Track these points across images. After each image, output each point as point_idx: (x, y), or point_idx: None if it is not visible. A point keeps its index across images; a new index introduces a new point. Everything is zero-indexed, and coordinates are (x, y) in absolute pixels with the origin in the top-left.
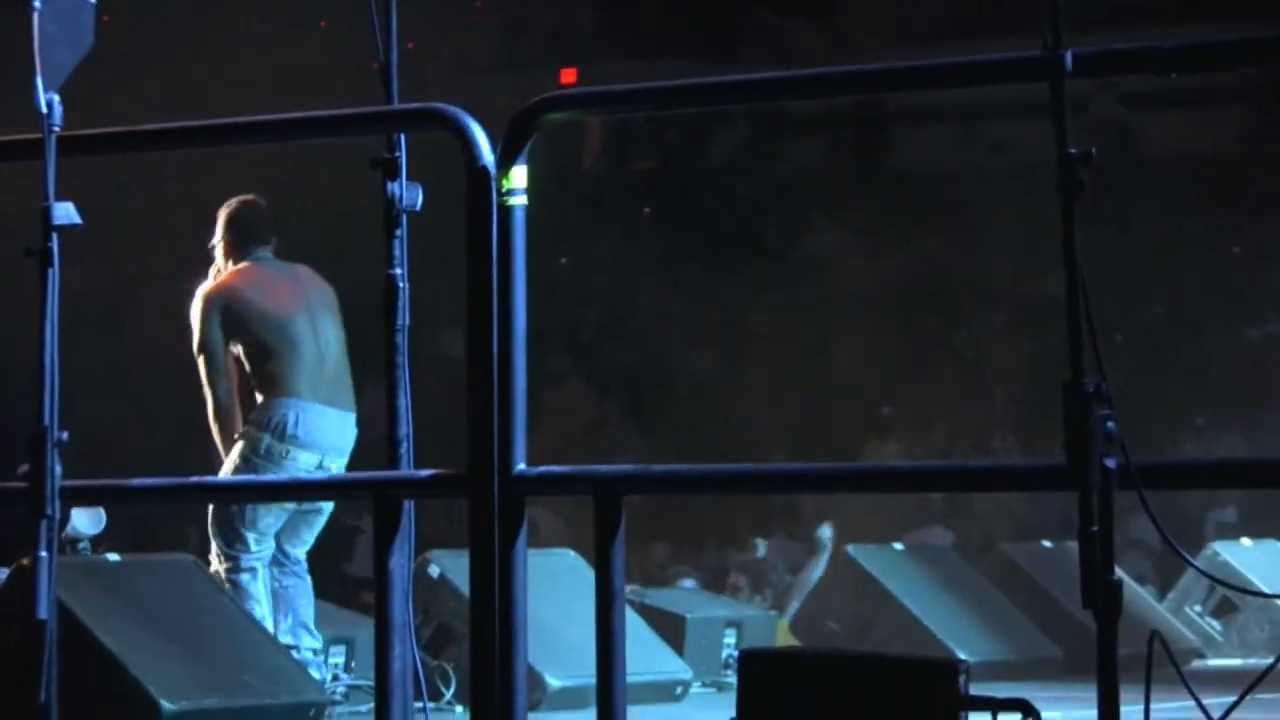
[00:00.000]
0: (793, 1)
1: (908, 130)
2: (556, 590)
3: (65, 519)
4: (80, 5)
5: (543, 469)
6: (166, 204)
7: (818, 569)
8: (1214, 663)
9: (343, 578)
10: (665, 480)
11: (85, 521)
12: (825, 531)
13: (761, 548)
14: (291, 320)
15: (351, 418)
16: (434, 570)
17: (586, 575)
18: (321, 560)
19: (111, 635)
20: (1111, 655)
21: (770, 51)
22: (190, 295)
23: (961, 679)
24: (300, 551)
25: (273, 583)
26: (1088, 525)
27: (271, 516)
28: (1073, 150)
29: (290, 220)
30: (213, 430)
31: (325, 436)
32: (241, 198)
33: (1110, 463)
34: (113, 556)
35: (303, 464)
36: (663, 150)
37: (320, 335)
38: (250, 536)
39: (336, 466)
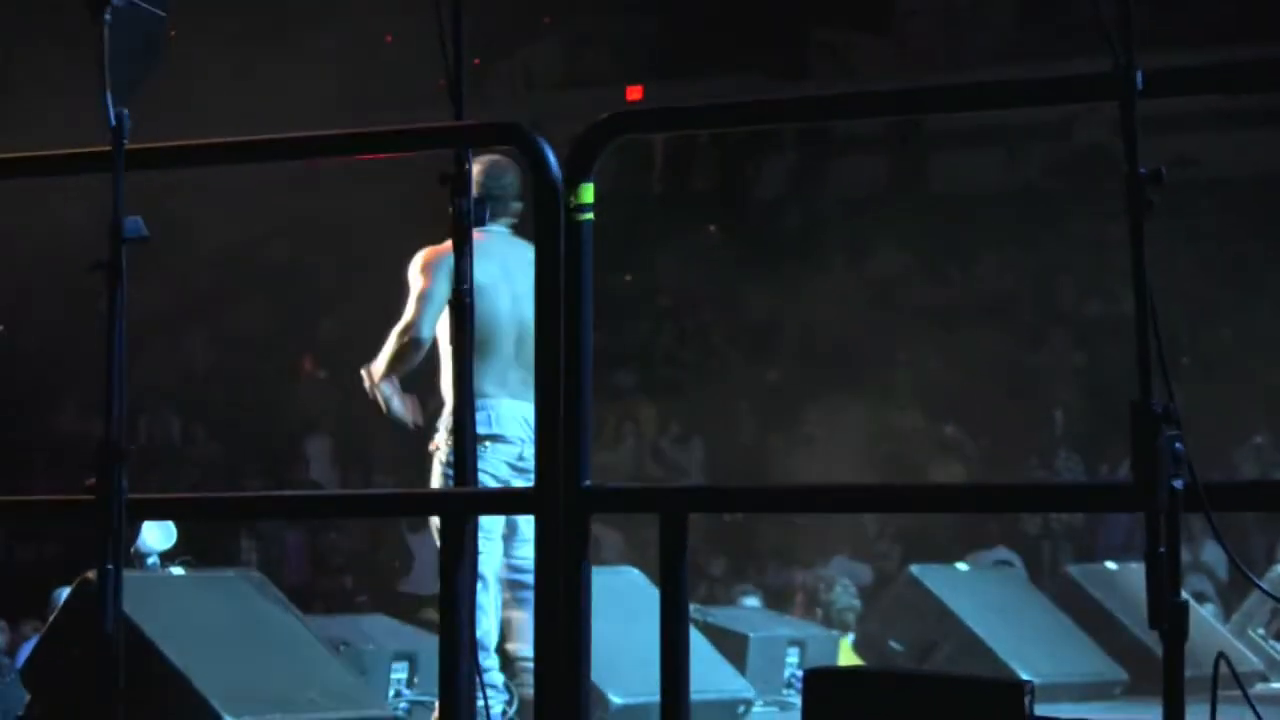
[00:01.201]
0: (857, 18)
1: (961, 149)
2: (619, 608)
3: (134, 534)
4: (151, 18)
5: (610, 485)
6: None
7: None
8: (1277, 685)
9: (401, 592)
10: (730, 499)
11: (155, 536)
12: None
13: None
14: None
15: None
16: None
17: (650, 593)
18: (380, 574)
19: (176, 650)
20: (1178, 677)
21: (835, 69)
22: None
23: (1027, 699)
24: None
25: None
26: (1155, 546)
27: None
28: (1143, 170)
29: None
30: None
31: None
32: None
33: (1177, 484)
34: (178, 571)
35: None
36: (724, 168)
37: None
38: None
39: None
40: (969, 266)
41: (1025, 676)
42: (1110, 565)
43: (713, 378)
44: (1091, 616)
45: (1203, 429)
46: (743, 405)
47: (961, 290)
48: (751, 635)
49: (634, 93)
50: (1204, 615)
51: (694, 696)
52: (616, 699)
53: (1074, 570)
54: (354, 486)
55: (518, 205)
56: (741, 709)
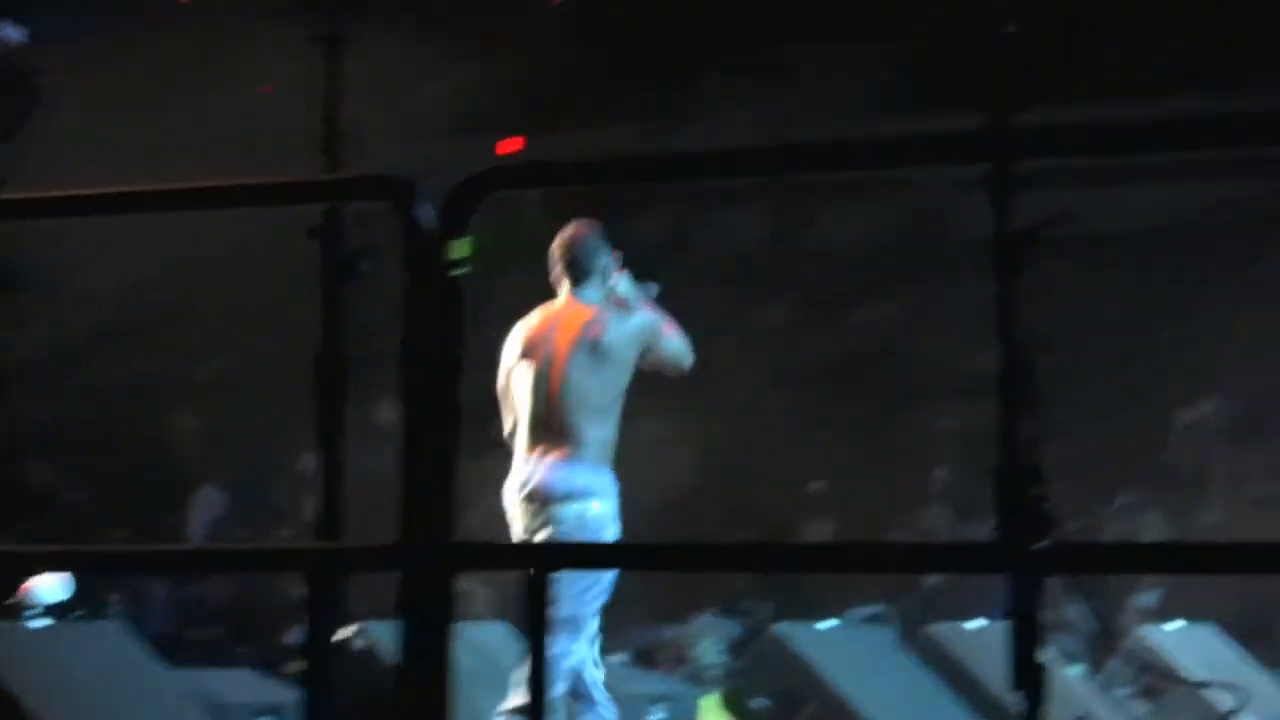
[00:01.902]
0: (743, 69)
1: (844, 202)
2: (487, 663)
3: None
4: (23, 67)
5: (475, 543)
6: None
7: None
8: None
9: (270, 646)
10: (596, 556)
11: (51, 588)
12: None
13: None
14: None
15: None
16: (361, 641)
17: (518, 648)
18: (249, 627)
19: (39, 702)
20: None
21: (719, 121)
22: None
23: None
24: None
25: None
26: (1017, 608)
27: None
28: (1014, 229)
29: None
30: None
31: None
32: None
33: (1042, 545)
34: (41, 623)
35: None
36: (604, 218)
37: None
38: None
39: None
40: (846, 320)
41: None
42: (973, 625)
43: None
44: (957, 676)
45: (1071, 489)
46: (619, 456)
47: (836, 344)
48: (616, 691)
49: (513, 144)
50: (1069, 676)
51: None
52: None
53: (938, 629)
54: (246, 537)
55: (599, 265)
56: None
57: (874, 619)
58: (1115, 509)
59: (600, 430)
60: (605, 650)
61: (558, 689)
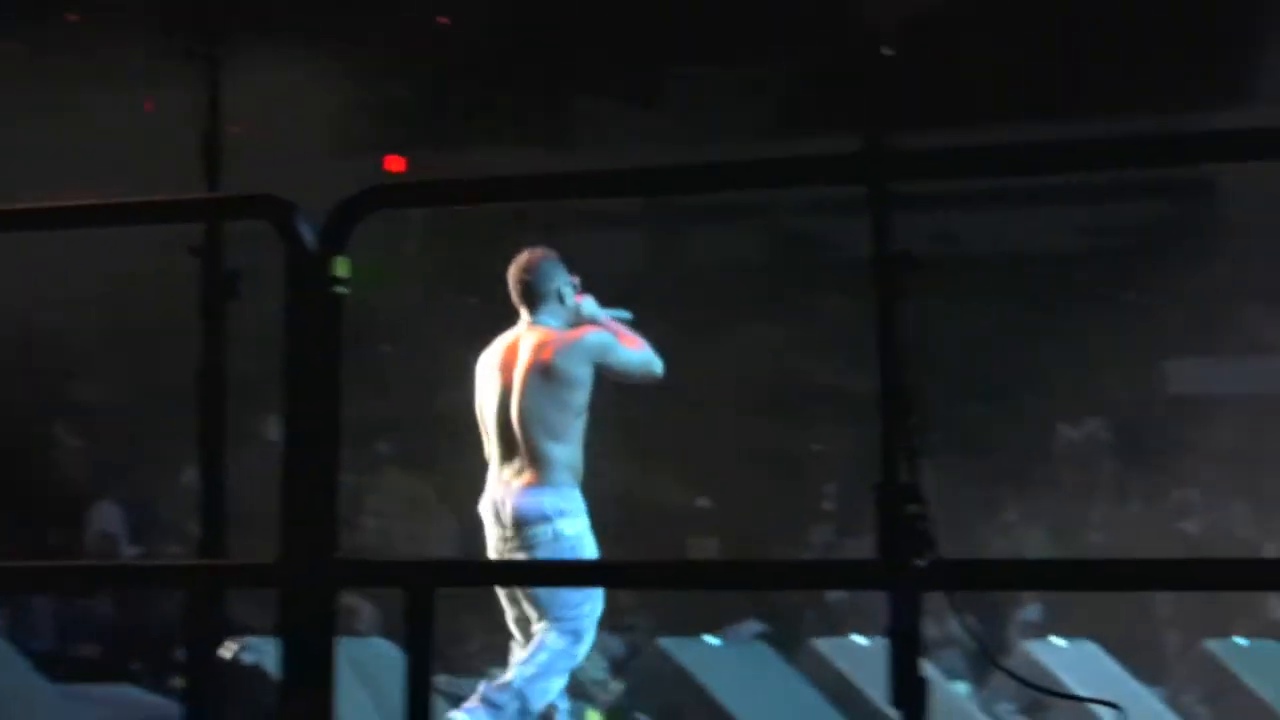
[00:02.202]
0: (619, 90)
1: (723, 223)
2: (369, 679)
3: None
4: None
5: (356, 559)
6: None
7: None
8: None
9: (155, 661)
10: (478, 573)
11: None
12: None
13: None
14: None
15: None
16: (248, 656)
17: (400, 664)
18: (134, 643)
19: None
20: None
21: (598, 140)
22: None
23: None
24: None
25: None
26: (897, 624)
27: None
28: (892, 251)
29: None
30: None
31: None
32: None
33: (921, 562)
34: None
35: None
36: (486, 240)
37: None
38: None
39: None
40: (729, 339)
41: None
42: (859, 639)
43: (470, 449)
44: (841, 691)
45: (953, 506)
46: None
47: (719, 363)
48: None
49: (397, 163)
50: (952, 692)
51: None
52: None
53: (822, 644)
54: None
55: (552, 289)
56: None
57: (759, 635)
58: (997, 527)
59: (563, 451)
60: (489, 666)
61: (558, 693)
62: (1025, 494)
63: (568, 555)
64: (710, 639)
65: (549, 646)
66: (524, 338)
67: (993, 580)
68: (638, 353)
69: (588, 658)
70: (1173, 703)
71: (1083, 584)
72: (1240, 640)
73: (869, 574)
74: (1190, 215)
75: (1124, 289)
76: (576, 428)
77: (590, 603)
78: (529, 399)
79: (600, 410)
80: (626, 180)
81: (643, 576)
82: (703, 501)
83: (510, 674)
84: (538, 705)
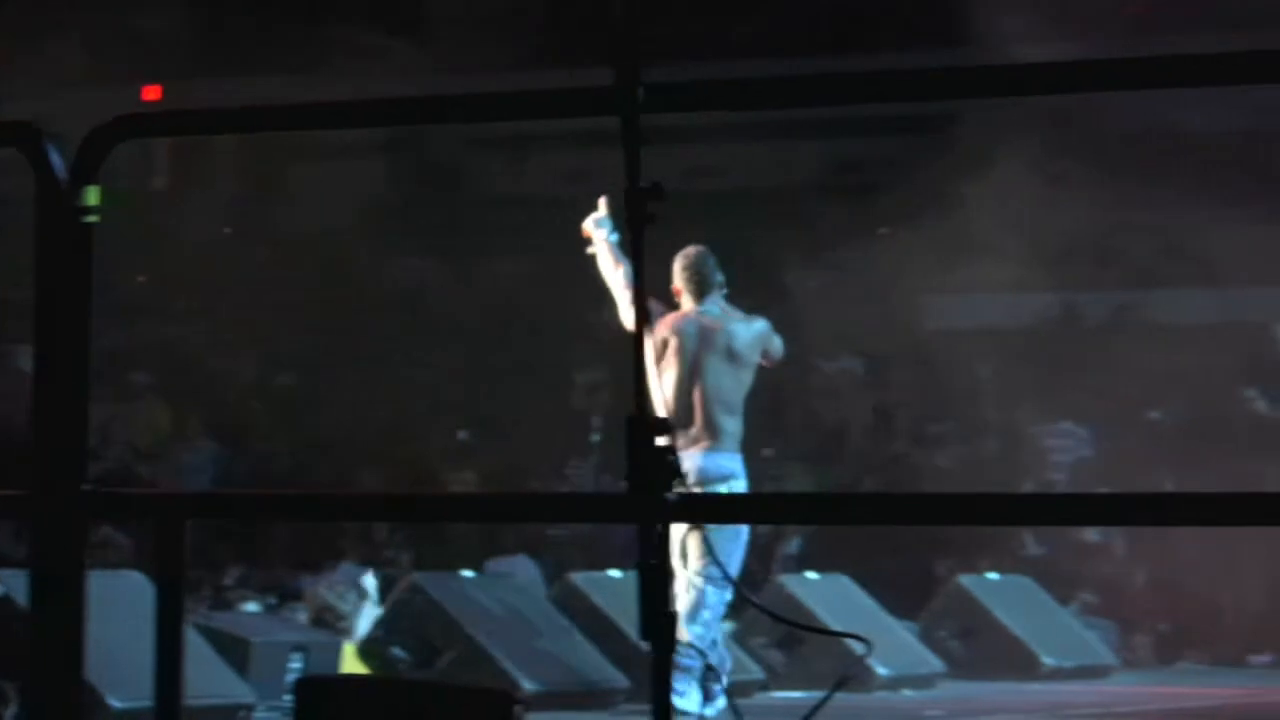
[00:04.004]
0: (381, 20)
1: (483, 153)
2: (121, 612)
3: None
4: None
5: (106, 491)
6: None
7: (364, 617)
8: (778, 694)
9: None
10: (231, 505)
11: None
12: (368, 580)
13: (364, 577)
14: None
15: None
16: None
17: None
18: None
19: None
20: (666, 685)
21: (358, 70)
22: None
23: (517, 709)
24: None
25: None
26: (646, 558)
27: None
28: (642, 184)
29: None
30: None
31: None
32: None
33: (670, 496)
34: None
35: None
36: (244, 171)
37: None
38: None
39: None
40: (490, 271)
41: (527, 685)
42: (615, 573)
43: (229, 379)
44: (596, 625)
45: None
46: (258, 407)
47: (480, 295)
48: (254, 640)
49: (152, 92)
50: None
51: (193, 701)
52: (116, 703)
53: (578, 578)
54: None
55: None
56: (242, 714)
57: (514, 568)
58: (756, 462)
59: (735, 423)
60: (243, 599)
61: (715, 631)
62: (782, 430)
63: None
64: (466, 573)
65: (711, 604)
66: (701, 322)
67: (740, 513)
68: (779, 340)
69: (342, 594)
70: (926, 636)
71: (826, 517)
72: (992, 575)
73: (619, 506)
74: (937, 150)
75: (879, 224)
76: (743, 404)
77: (741, 550)
78: (711, 378)
79: (359, 343)
80: (378, 110)
81: (400, 509)
82: (462, 435)
83: (683, 634)
84: (711, 654)
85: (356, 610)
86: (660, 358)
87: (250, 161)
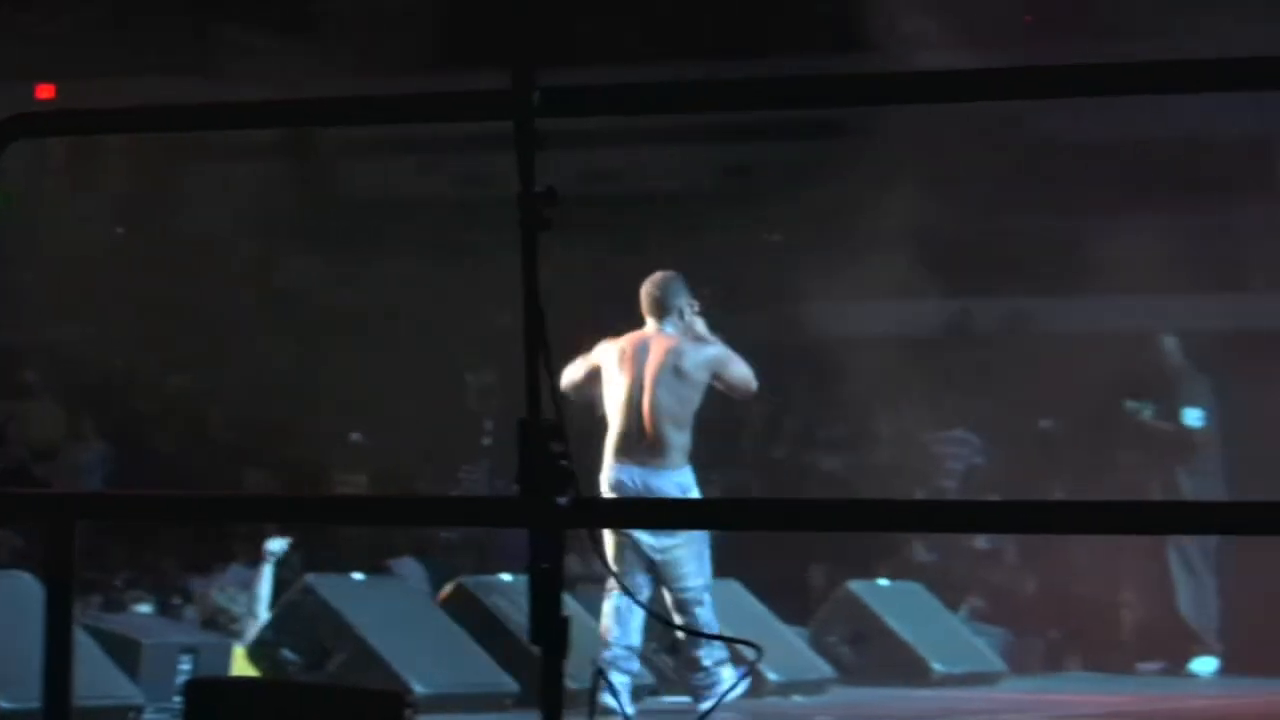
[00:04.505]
0: (272, 20)
1: (381, 158)
2: (10, 612)
3: None
4: None
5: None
6: None
7: (264, 582)
8: (668, 699)
9: None
10: (120, 505)
11: None
12: (277, 544)
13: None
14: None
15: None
16: None
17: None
18: None
19: None
20: (557, 690)
21: (252, 71)
22: None
23: (406, 712)
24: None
25: None
26: (538, 561)
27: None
28: (537, 188)
29: None
30: None
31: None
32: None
33: (561, 500)
34: None
35: None
36: (137, 171)
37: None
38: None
39: None
40: (379, 274)
41: (416, 687)
42: (506, 577)
43: (121, 379)
44: (487, 628)
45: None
46: (150, 407)
47: (371, 298)
48: (144, 642)
49: (46, 91)
50: (595, 629)
51: (82, 702)
52: (4, 703)
53: (469, 582)
54: None
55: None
56: (131, 715)
57: (401, 570)
58: None
59: (682, 437)
60: (135, 600)
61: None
62: None
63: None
64: (357, 575)
65: (706, 621)
66: (654, 340)
67: (631, 519)
68: (743, 370)
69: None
70: (816, 642)
71: (718, 523)
72: (882, 581)
73: (510, 511)
74: (829, 157)
75: (767, 229)
76: (691, 420)
77: (707, 554)
78: (660, 394)
79: (252, 344)
80: (271, 111)
81: (292, 511)
82: (355, 436)
83: (697, 655)
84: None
85: (248, 611)
86: (611, 370)
87: (143, 161)
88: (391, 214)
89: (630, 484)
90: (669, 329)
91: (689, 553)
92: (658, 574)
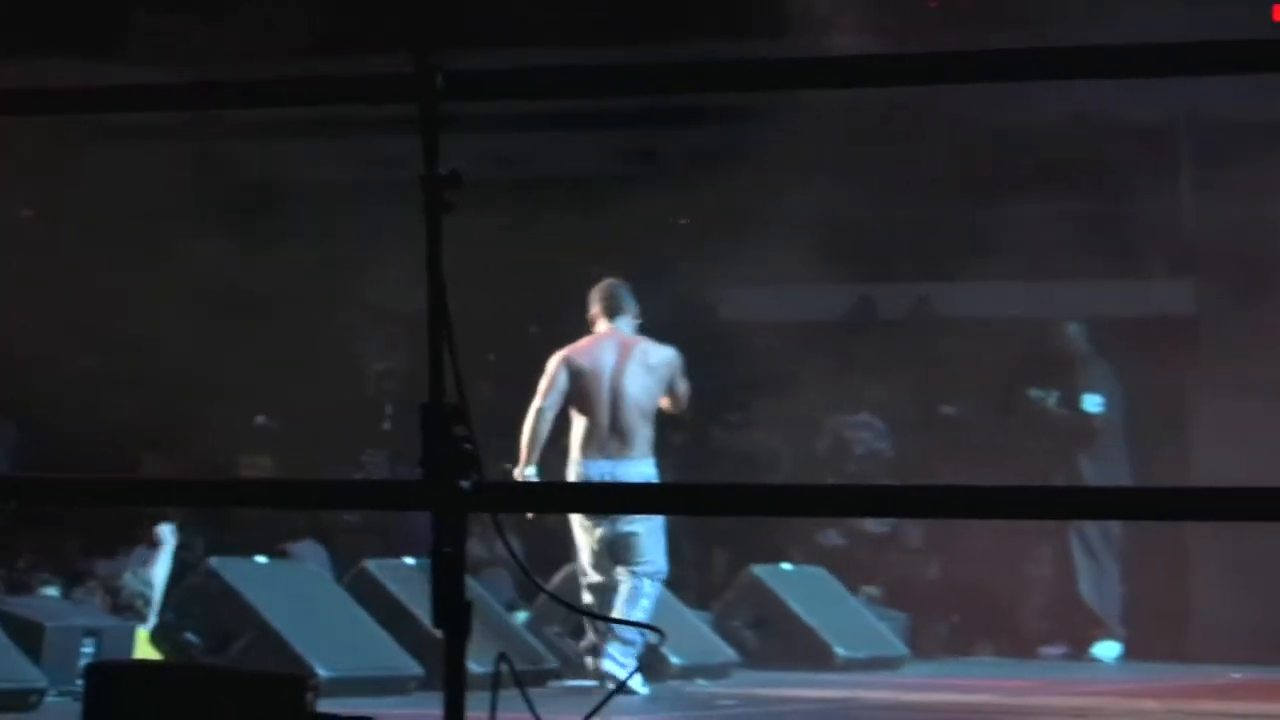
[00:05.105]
0: (178, 2)
1: (273, 139)
2: None
3: None
4: None
5: None
6: None
7: (160, 566)
8: (571, 683)
9: None
10: (20, 488)
11: None
12: (165, 530)
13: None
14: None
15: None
16: None
17: None
18: None
19: None
20: (459, 674)
21: (154, 53)
22: None
23: (309, 695)
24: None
25: None
26: (440, 545)
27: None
28: (441, 171)
29: None
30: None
31: None
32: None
33: (465, 484)
34: None
35: None
36: (42, 153)
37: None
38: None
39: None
40: (283, 258)
41: (319, 670)
42: (410, 561)
43: (28, 361)
44: (390, 612)
45: (505, 428)
46: (56, 389)
47: (275, 279)
48: (47, 625)
49: None
50: (503, 614)
51: None
52: None
53: (372, 565)
54: None
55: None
56: (33, 698)
57: (303, 553)
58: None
59: (649, 430)
60: (41, 583)
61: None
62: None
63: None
64: (260, 558)
65: (648, 593)
66: (617, 339)
67: (535, 503)
68: (686, 385)
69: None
70: (719, 626)
71: (621, 507)
72: (786, 566)
73: (413, 495)
74: (734, 142)
75: (673, 214)
76: (655, 413)
77: (665, 541)
78: (631, 385)
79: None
80: (174, 94)
81: (195, 495)
82: (260, 419)
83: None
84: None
85: (143, 593)
86: (579, 371)
87: (49, 144)
88: (295, 197)
89: (599, 480)
90: (625, 328)
91: (649, 537)
92: (615, 555)
